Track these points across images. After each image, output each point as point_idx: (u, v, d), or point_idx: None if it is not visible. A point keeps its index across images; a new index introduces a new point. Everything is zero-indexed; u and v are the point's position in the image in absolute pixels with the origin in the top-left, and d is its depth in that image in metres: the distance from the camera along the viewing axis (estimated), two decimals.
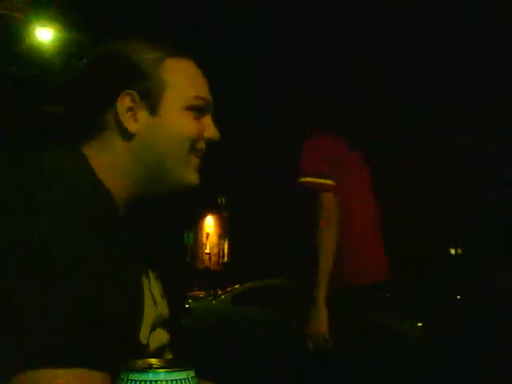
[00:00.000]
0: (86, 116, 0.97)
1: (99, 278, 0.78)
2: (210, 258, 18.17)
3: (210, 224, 19.47)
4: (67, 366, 0.73)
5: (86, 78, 0.98)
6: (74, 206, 0.81)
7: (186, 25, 6.13)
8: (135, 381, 0.56)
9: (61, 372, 0.73)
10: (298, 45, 6.44)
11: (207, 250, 18.49)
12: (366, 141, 2.54)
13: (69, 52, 5.67)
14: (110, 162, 0.93)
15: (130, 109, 0.92)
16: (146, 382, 0.56)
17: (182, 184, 0.97)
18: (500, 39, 6.21)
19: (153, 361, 0.60)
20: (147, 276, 0.95)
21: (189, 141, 0.96)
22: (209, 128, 0.99)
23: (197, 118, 0.97)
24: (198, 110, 0.97)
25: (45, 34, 5.84)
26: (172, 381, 0.57)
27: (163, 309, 0.97)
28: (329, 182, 2.20)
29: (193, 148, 0.97)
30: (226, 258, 17.83)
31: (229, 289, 8.60)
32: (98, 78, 0.95)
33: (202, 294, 9.99)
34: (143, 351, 0.86)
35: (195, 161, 0.98)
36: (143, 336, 0.87)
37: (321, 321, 2.12)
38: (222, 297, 8.19)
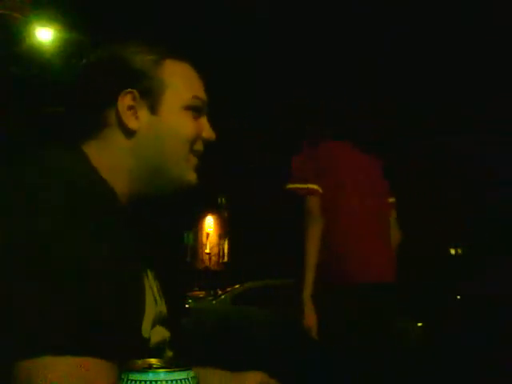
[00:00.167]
0: (86, 115, 0.98)
1: (99, 277, 0.78)
2: (209, 258, 18.18)
3: (210, 224, 19.48)
4: (71, 355, 0.73)
5: (86, 78, 0.99)
6: (74, 205, 0.81)
7: (186, 25, 6.13)
8: (135, 381, 0.56)
9: (65, 359, 0.73)
10: (297, 45, 6.44)
11: (207, 250, 18.50)
12: (365, 141, 2.55)
13: (69, 52, 5.67)
14: (111, 159, 0.94)
15: (130, 107, 0.94)
16: (145, 382, 0.56)
17: (182, 183, 0.99)
18: (500, 39, 6.21)
19: (153, 361, 0.60)
20: (146, 275, 0.95)
21: (188, 140, 0.98)
22: (206, 129, 1.01)
23: (194, 118, 0.99)
24: (195, 110, 0.99)
25: (45, 34, 5.84)
26: (172, 381, 0.57)
27: (162, 308, 0.98)
28: (312, 186, 2.34)
29: (192, 148, 0.99)
30: (226, 258, 17.84)
31: (229, 289, 8.60)
32: (99, 78, 0.97)
33: (201, 294, 9.98)
34: (145, 344, 0.87)
35: (194, 160, 1.00)
36: (145, 330, 0.87)
37: (307, 314, 2.24)
38: (222, 297, 8.19)
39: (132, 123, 0.94)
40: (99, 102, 0.96)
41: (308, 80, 6.73)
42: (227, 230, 17.63)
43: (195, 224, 18.09)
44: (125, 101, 0.94)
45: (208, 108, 1.03)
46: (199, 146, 1.00)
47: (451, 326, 6.22)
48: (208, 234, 19.00)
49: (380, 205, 2.49)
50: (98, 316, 0.77)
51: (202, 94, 1.02)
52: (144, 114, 0.95)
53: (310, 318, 2.27)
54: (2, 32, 5.44)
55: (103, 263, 0.79)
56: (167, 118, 0.96)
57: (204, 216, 18.95)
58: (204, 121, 1.01)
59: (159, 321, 0.94)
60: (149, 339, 0.89)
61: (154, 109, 0.95)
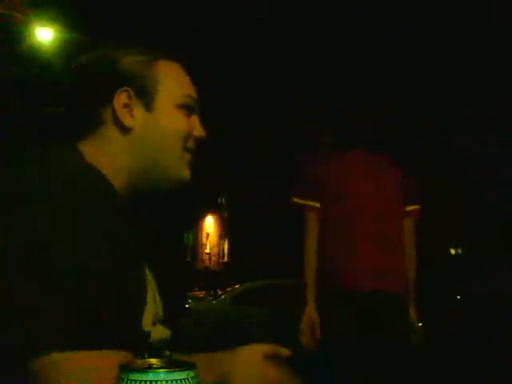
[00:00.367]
0: (83, 114, 0.99)
1: (100, 276, 0.78)
2: (209, 258, 18.17)
3: (210, 224, 19.46)
4: (84, 349, 0.74)
5: (82, 78, 1.00)
6: (74, 205, 0.81)
7: (186, 25, 6.13)
8: (135, 381, 0.56)
9: (73, 355, 0.74)
10: (297, 45, 6.44)
11: (207, 250, 18.49)
12: (366, 141, 2.55)
13: (69, 52, 5.66)
14: (108, 157, 0.95)
15: (126, 105, 0.97)
16: (145, 382, 0.56)
17: (176, 178, 1.02)
18: (500, 39, 6.21)
19: (153, 361, 0.60)
20: (146, 274, 0.96)
21: (182, 137, 1.00)
22: (197, 127, 1.04)
23: (186, 117, 1.02)
24: (187, 109, 1.02)
25: (45, 34, 5.83)
26: (172, 381, 0.57)
27: (160, 308, 0.99)
28: (311, 203, 2.57)
29: (185, 145, 1.01)
30: (225, 258, 17.83)
31: (229, 289, 8.60)
32: (94, 78, 0.99)
33: (201, 294, 9.99)
34: (146, 338, 0.88)
35: (187, 156, 1.02)
36: (145, 326, 0.88)
37: (308, 317, 2.40)
38: (222, 297, 8.20)
39: (128, 121, 0.96)
40: (95, 101, 0.98)
41: (308, 80, 6.73)
42: (227, 229, 17.62)
43: (195, 224, 18.08)
44: (120, 99, 0.96)
45: (199, 107, 1.06)
46: (191, 144, 1.03)
47: (451, 325, 6.22)
48: (208, 234, 18.99)
49: (385, 211, 2.51)
50: (98, 316, 0.77)
51: (193, 93, 1.05)
52: (139, 111, 0.98)
53: (310, 321, 2.38)
54: (1, 32, 5.44)
55: (103, 263, 0.79)
56: (162, 116, 0.99)
57: (204, 216, 18.94)
58: (195, 119, 1.04)
59: (158, 320, 0.95)
60: (149, 333, 0.90)
61: (148, 107, 0.98)
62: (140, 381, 0.56)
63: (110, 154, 0.96)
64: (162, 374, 0.56)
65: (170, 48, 1.07)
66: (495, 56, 6.52)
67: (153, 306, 0.93)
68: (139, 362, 0.60)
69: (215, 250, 18.46)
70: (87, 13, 5.50)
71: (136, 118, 0.97)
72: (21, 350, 0.73)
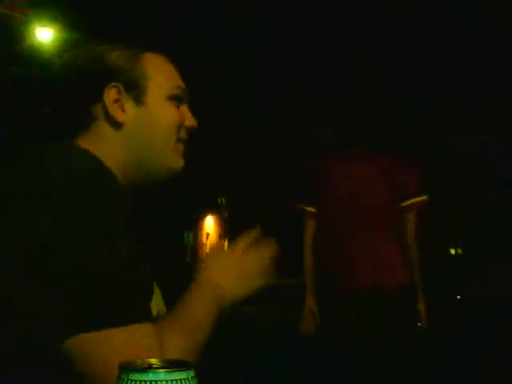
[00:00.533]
0: (74, 112, 1.00)
1: (100, 276, 0.78)
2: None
3: (210, 224, 19.44)
4: (122, 325, 0.75)
5: (70, 77, 1.01)
6: (74, 205, 0.81)
7: (186, 25, 6.13)
8: (135, 381, 0.57)
9: (120, 330, 0.74)
10: (297, 45, 6.43)
11: (207, 250, 18.46)
12: (366, 141, 2.56)
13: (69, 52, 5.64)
14: (102, 152, 0.96)
15: (116, 100, 0.98)
16: (145, 381, 0.56)
17: (170, 169, 1.03)
18: (500, 39, 6.20)
19: (153, 361, 0.61)
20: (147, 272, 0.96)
21: (174, 128, 1.01)
22: (188, 117, 1.05)
23: (176, 107, 1.02)
24: (177, 100, 1.03)
25: (45, 34, 5.82)
26: (172, 381, 0.57)
27: (162, 305, 0.99)
28: (309, 209, 2.67)
29: (177, 136, 1.02)
30: None
31: None
32: (82, 76, 0.99)
33: None
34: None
35: (181, 147, 1.04)
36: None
37: (308, 307, 2.54)
38: None
39: (119, 116, 0.97)
40: (85, 99, 0.99)
41: (308, 80, 6.73)
42: (227, 229, 17.60)
43: (195, 224, 18.05)
44: (110, 95, 0.97)
45: (188, 97, 1.08)
46: (183, 134, 1.04)
47: (451, 325, 6.21)
48: (208, 234, 18.96)
49: (375, 209, 2.52)
50: (98, 315, 0.77)
51: (181, 83, 1.06)
52: (130, 106, 0.99)
53: (310, 310, 2.55)
54: (1, 32, 5.43)
55: (103, 263, 0.79)
56: (153, 109, 1.00)
57: (204, 216, 18.90)
58: (185, 109, 1.06)
59: (161, 316, 0.95)
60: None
61: (139, 100, 0.99)
62: (140, 381, 0.56)
63: (104, 150, 0.97)
64: (161, 374, 0.57)
65: (170, 48, 1.08)
66: (495, 56, 6.51)
67: (156, 303, 0.93)
68: (139, 361, 0.60)
69: None
70: (87, 13, 5.50)
71: (127, 112, 0.98)
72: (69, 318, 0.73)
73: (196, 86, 1.08)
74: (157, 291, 1.00)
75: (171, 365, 0.59)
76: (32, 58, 5.77)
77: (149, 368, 0.58)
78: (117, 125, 0.99)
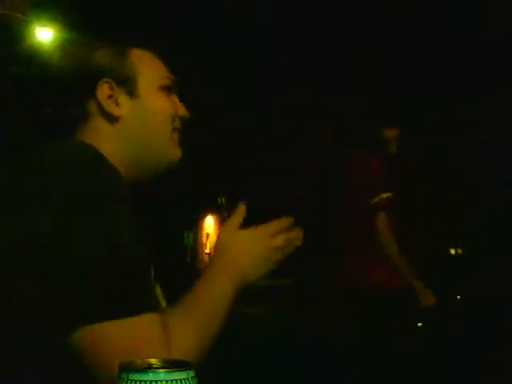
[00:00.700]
0: (71, 111, 1.00)
1: (100, 276, 0.78)
2: (210, 258, 18.14)
3: (210, 224, 19.44)
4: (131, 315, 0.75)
5: (61, 77, 1.02)
6: (74, 205, 0.81)
7: (186, 25, 6.12)
8: (135, 381, 0.57)
9: (130, 321, 0.75)
10: (297, 45, 6.43)
11: (207, 250, 18.47)
12: (366, 141, 2.56)
13: (68, 52, 5.63)
14: (100, 149, 0.95)
15: (110, 96, 0.99)
16: (145, 381, 0.56)
17: (168, 160, 1.04)
18: (500, 39, 6.20)
19: (153, 361, 0.61)
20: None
21: (169, 118, 1.02)
22: (179, 106, 1.06)
23: (168, 97, 1.04)
24: (168, 89, 1.04)
25: (45, 34, 5.82)
26: (172, 381, 0.57)
27: (164, 304, 0.99)
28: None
29: (172, 126, 1.03)
30: None
31: None
32: (74, 75, 1.00)
33: None
34: None
35: (176, 137, 1.05)
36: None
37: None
38: None
39: (115, 110, 0.98)
40: (78, 98, 0.99)
41: (308, 80, 6.72)
42: None
43: (195, 224, 18.05)
44: (103, 91, 0.98)
45: (177, 87, 1.09)
46: (178, 124, 1.05)
47: (451, 325, 6.20)
48: (208, 234, 18.95)
49: (360, 208, 2.54)
50: (99, 311, 0.77)
51: (170, 74, 1.07)
52: (124, 100, 1.00)
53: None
54: (1, 32, 5.43)
55: (103, 262, 0.79)
56: (146, 100, 1.01)
57: (204, 216, 18.90)
58: (176, 99, 1.07)
59: None
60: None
61: (132, 94, 1.01)
62: (140, 381, 0.56)
63: (102, 146, 0.97)
64: (161, 374, 0.57)
65: (170, 48, 1.09)
66: (495, 56, 6.51)
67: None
68: (139, 361, 0.60)
69: None
70: (87, 13, 5.49)
71: (122, 106, 0.99)
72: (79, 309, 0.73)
73: (196, 86, 1.09)
74: (158, 291, 1.00)
75: (171, 365, 0.59)
76: (32, 58, 5.76)
77: (149, 368, 0.58)
78: (113, 119, 1.01)
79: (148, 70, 1.04)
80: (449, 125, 8.03)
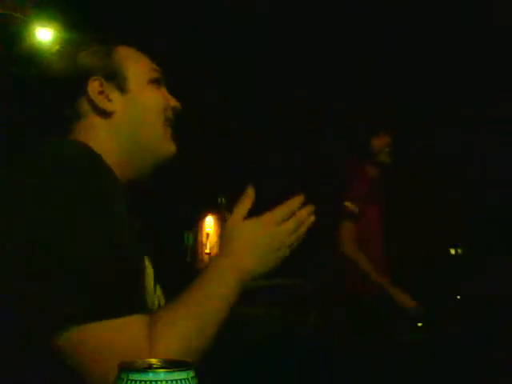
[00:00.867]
0: (63, 111, 1.01)
1: (100, 275, 0.78)
2: (210, 258, 18.14)
3: (209, 224, 19.44)
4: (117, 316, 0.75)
5: (50, 79, 1.03)
6: (74, 205, 0.81)
7: (186, 25, 6.13)
8: (135, 381, 0.56)
9: (118, 321, 0.74)
10: (297, 45, 6.43)
11: (207, 250, 18.47)
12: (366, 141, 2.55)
13: (68, 52, 5.63)
14: (95, 146, 0.96)
15: (101, 92, 0.99)
16: (145, 381, 0.56)
17: (163, 154, 1.04)
18: (500, 39, 6.20)
19: (153, 361, 0.60)
20: (145, 266, 0.96)
21: (161, 110, 1.03)
22: (170, 98, 1.07)
23: (158, 89, 1.05)
24: (157, 82, 1.05)
25: (45, 34, 5.82)
26: (172, 381, 0.57)
27: (163, 302, 0.99)
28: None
29: (165, 118, 1.04)
30: None
31: None
32: (64, 75, 1.01)
33: None
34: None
35: (169, 130, 1.05)
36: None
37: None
38: None
39: (107, 106, 0.99)
40: (71, 94, 1.00)
41: (308, 80, 6.72)
42: None
43: (195, 224, 18.04)
44: (94, 87, 0.99)
45: (165, 80, 1.10)
46: (170, 115, 1.06)
47: (451, 325, 6.20)
48: (208, 234, 18.95)
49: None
50: (96, 312, 0.77)
51: (156, 67, 1.08)
52: (116, 96, 1.00)
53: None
54: (1, 32, 5.43)
55: (103, 262, 0.79)
56: (137, 94, 1.02)
57: (204, 216, 18.89)
58: (165, 91, 1.07)
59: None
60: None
61: (122, 88, 1.01)
62: (140, 381, 0.56)
63: (98, 144, 0.97)
64: (161, 374, 0.57)
65: (170, 48, 1.09)
66: (495, 56, 6.51)
67: (152, 297, 0.93)
68: (139, 361, 0.60)
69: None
70: (87, 13, 5.50)
71: (114, 101, 1.00)
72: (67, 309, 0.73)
73: (196, 86, 1.09)
74: (158, 291, 1.00)
75: (171, 365, 0.58)
76: (32, 58, 5.76)
77: (149, 368, 0.58)
78: (107, 115, 1.01)
79: (136, 64, 1.05)
80: (449, 125, 8.04)
